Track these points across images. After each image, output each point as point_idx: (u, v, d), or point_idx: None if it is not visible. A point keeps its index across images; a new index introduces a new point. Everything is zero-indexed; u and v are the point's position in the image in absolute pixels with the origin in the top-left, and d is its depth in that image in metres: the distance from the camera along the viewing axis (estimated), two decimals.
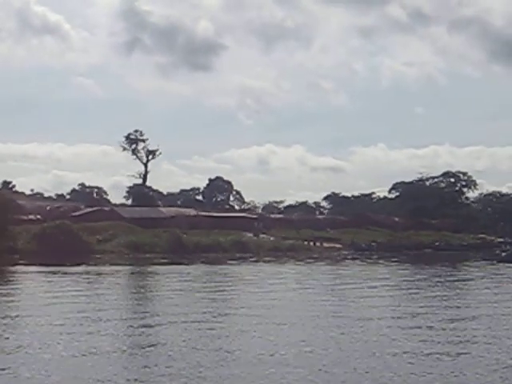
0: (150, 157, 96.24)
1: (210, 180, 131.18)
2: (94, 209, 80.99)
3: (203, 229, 77.54)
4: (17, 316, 21.14)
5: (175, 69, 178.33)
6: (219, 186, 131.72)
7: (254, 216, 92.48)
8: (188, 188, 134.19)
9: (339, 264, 53.83)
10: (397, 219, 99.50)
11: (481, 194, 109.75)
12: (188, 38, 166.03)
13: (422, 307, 23.37)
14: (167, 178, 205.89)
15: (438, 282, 35.44)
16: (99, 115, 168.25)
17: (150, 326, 18.85)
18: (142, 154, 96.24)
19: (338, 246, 75.75)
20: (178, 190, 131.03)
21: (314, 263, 53.67)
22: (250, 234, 79.69)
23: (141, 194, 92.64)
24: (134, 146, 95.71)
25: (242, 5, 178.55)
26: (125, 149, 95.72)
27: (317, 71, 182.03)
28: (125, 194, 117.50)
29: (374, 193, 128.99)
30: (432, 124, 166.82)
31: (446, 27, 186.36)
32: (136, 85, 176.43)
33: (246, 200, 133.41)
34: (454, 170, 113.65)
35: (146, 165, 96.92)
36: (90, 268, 46.58)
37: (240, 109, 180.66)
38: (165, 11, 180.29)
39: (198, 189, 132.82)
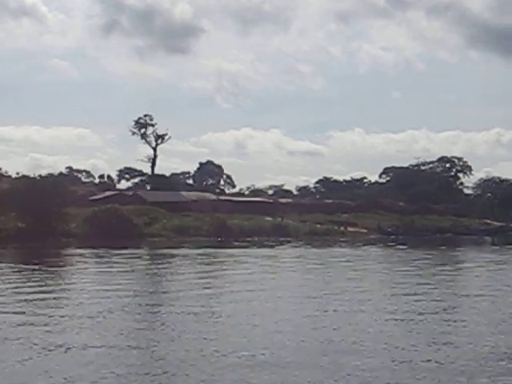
0: (159, 141, 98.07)
1: (201, 164, 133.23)
2: (114, 192, 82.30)
3: (224, 213, 79.77)
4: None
5: (152, 52, 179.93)
6: (210, 170, 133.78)
7: (271, 201, 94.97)
8: (178, 172, 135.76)
9: (386, 247, 56.88)
10: (401, 204, 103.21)
11: (481, 180, 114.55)
12: (165, 20, 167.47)
13: None
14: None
15: None
16: (75, 98, 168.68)
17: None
18: (151, 138, 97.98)
19: (362, 230, 78.82)
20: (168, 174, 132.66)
21: (359, 247, 56.39)
22: (270, 218, 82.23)
23: (159, 178, 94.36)
24: (143, 131, 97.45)
25: None
26: (134, 133, 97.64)
27: (294, 55, 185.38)
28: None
29: (365, 177, 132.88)
30: (409, 109, 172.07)
31: (423, 12, 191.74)
32: (113, 68, 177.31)
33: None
34: (449, 156, 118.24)
35: (155, 149, 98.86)
36: (161, 251, 48.79)
37: (217, 92, 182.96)
38: None
39: (189, 173, 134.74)
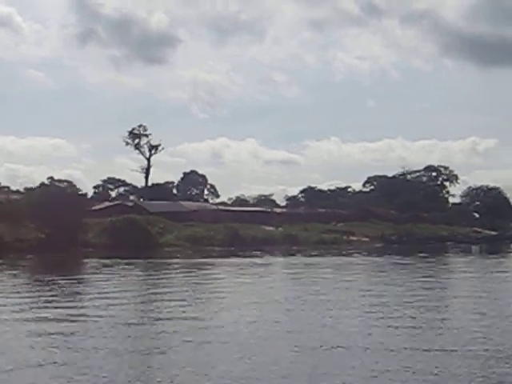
0: (153, 151, 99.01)
1: (185, 174, 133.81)
2: (116, 203, 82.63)
3: (224, 222, 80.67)
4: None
5: (129, 61, 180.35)
6: (194, 180, 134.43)
7: (268, 210, 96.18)
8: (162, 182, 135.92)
9: (399, 256, 58.34)
10: (393, 212, 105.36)
11: (469, 188, 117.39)
12: (142, 30, 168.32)
13: None
14: (121, 172, 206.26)
15: None
16: (51, 108, 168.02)
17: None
18: (145, 149, 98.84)
19: (364, 239, 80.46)
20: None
21: (371, 256, 57.62)
22: (270, 228, 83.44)
23: (160, 188, 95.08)
24: (137, 141, 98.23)
25: None
26: (128, 143, 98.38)
27: (269, 64, 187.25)
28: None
29: (349, 186, 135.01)
30: (385, 117, 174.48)
31: (398, 21, 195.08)
32: (89, 77, 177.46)
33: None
34: (436, 164, 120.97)
35: (148, 159, 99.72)
36: (185, 260, 49.51)
37: (193, 102, 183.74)
38: (117, 3, 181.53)
39: (172, 183, 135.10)
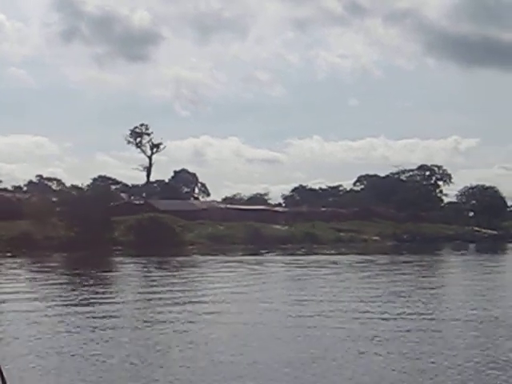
0: (155, 150, 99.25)
1: (175, 172, 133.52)
2: (124, 201, 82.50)
3: (233, 221, 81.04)
4: None
5: (112, 59, 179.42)
6: (185, 179, 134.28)
7: (274, 209, 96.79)
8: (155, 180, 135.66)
9: (446, 255, 59.56)
10: (393, 211, 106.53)
11: (465, 187, 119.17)
12: (124, 28, 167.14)
13: None
14: (102, 169, 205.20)
15: None
16: (33, 106, 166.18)
17: None
18: (147, 147, 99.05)
19: (375, 237, 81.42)
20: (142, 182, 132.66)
21: (392, 255, 58.47)
22: (278, 226, 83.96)
23: (169, 187, 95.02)
24: (138, 140, 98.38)
25: None
26: (129, 142, 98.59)
27: (252, 63, 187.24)
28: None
29: (341, 185, 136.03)
30: (367, 116, 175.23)
31: (381, 19, 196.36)
32: (71, 75, 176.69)
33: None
34: (430, 164, 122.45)
35: (150, 158, 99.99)
36: (217, 257, 50.12)
37: (176, 100, 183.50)
38: (100, 1, 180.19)
39: (163, 181, 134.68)
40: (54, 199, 64.15)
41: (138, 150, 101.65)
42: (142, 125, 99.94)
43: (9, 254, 50.33)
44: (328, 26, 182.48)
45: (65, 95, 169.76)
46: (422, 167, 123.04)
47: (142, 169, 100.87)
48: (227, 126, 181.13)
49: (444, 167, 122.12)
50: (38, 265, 43.58)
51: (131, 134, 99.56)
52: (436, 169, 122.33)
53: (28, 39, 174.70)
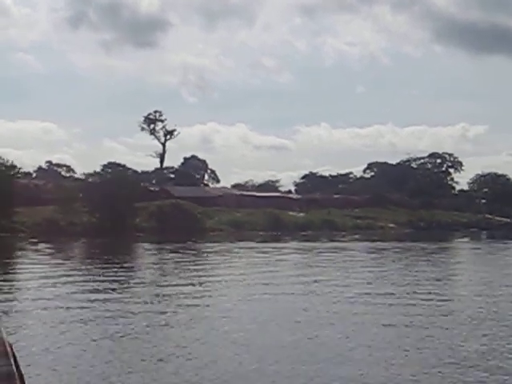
0: (168, 137, 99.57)
1: (185, 159, 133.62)
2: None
3: (248, 208, 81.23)
4: None
5: (119, 45, 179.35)
6: (194, 165, 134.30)
7: (289, 196, 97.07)
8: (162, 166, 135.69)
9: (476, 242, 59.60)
10: (406, 199, 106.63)
11: (477, 175, 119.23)
12: (132, 14, 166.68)
13: None
14: (109, 156, 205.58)
15: None
16: (41, 92, 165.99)
17: None
18: (161, 134, 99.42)
19: (391, 225, 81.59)
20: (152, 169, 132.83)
21: (417, 242, 58.44)
22: (293, 213, 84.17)
23: (184, 173, 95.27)
24: (152, 126, 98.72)
25: None
26: (143, 129, 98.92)
27: (260, 49, 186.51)
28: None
29: (351, 172, 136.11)
30: (375, 103, 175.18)
31: (389, 7, 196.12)
32: (79, 61, 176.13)
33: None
34: (440, 152, 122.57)
35: (164, 145, 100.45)
36: (245, 244, 50.30)
37: (183, 86, 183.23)
38: None
39: (173, 167, 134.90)
40: (75, 185, 64.18)
41: (152, 136, 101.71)
42: (155, 111, 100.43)
43: (34, 240, 50.51)
44: (336, 12, 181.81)
45: (72, 81, 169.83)
46: (432, 155, 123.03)
47: (155, 155, 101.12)
48: (235, 112, 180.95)
49: (455, 155, 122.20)
50: (64, 251, 44.01)
51: (145, 120, 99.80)
52: (447, 156, 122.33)
53: (35, 25, 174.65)
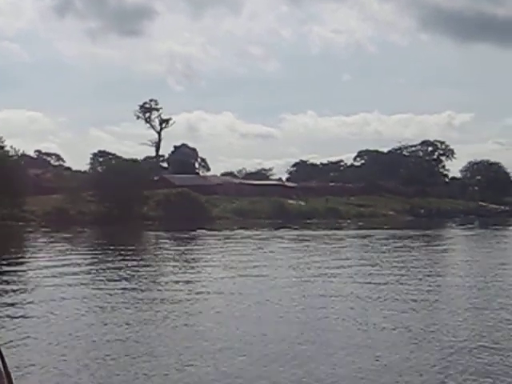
0: (164, 125, 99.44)
1: (176, 147, 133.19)
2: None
3: (247, 196, 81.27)
4: None
5: (105, 34, 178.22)
6: (185, 153, 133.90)
7: (288, 184, 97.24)
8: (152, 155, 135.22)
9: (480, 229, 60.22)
10: (400, 186, 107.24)
11: (470, 163, 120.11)
12: (118, 2, 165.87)
13: None
14: (96, 145, 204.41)
15: None
16: (27, 80, 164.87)
17: None
18: (156, 122, 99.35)
19: (390, 212, 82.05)
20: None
21: (418, 229, 59.01)
22: (292, 201, 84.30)
23: (181, 161, 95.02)
24: (147, 115, 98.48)
25: None
26: (139, 117, 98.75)
27: (246, 38, 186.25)
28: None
29: (341, 160, 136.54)
30: (361, 91, 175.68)
31: None
32: (65, 50, 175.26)
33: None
34: (431, 139, 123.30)
35: (159, 133, 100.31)
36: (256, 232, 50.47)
37: (169, 75, 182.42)
38: None
39: (163, 156, 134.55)
40: (79, 175, 63.82)
41: (144, 125, 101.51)
42: (151, 100, 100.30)
43: (45, 230, 50.24)
44: (322, 1, 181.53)
45: (58, 69, 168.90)
46: (424, 143, 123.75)
47: (151, 144, 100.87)
48: (221, 100, 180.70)
49: (446, 142, 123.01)
50: (76, 239, 43.91)
51: (140, 108, 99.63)
52: (438, 144, 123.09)
53: (21, 13, 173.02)
